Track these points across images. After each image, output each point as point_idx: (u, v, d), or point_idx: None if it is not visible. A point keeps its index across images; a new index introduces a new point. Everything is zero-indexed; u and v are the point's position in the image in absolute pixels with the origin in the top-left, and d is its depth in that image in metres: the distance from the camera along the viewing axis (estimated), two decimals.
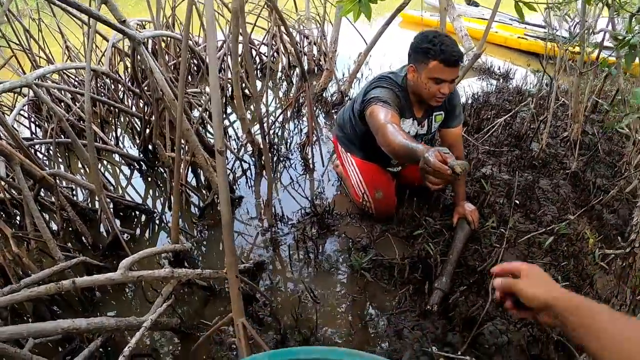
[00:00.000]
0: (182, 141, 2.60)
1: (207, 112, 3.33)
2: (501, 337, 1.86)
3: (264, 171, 2.91)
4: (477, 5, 9.22)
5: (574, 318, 0.72)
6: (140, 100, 3.24)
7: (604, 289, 2.22)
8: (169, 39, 4.30)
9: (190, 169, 2.83)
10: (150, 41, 3.79)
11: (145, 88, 3.09)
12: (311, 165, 3.03)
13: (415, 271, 2.09)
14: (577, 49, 3.21)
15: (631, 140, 3.17)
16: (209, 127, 3.55)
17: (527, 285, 0.80)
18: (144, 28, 4.63)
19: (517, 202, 2.56)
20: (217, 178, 2.38)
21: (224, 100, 3.86)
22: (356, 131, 2.35)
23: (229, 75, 3.95)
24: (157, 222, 2.59)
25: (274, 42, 4.78)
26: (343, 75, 4.75)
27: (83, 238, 2.35)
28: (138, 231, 2.53)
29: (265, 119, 3.62)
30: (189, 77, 4.40)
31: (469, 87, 4.80)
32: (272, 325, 1.88)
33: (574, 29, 3.38)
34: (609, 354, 0.66)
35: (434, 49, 1.91)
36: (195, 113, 3.62)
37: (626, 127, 3.11)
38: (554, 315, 0.75)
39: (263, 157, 2.83)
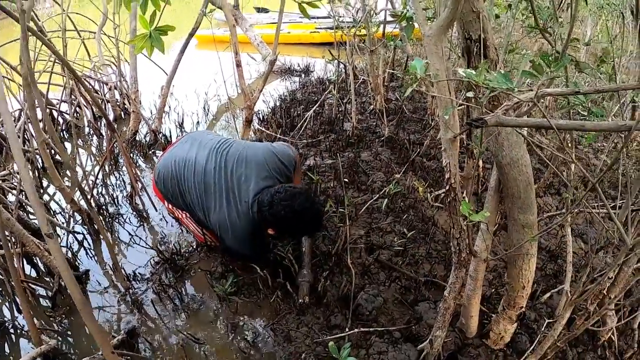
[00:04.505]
0: (7, 233, 2.30)
1: (23, 193, 2.98)
2: (377, 300, 2.02)
3: (101, 237, 2.71)
4: (267, 11, 9.56)
5: None
6: None
7: (445, 223, 2.52)
8: None
9: (24, 261, 2.51)
10: None
11: None
12: (145, 214, 2.90)
13: (277, 277, 2.15)
14: (364, 31, 3.56)
15: (429, 94, 3.60)
16: (29, 208, 3.17)
17: None
18: None
19: (347, 180, 2.76)
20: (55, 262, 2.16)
21: (37, 174, 3.48)
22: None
23: (36, 145, 3.57)
24: (12, 330, 2.26)
25: (73, 97, 4.44)
26: (151, 113, 4.61)
27: None
28: None
29: (85, 180, 3.37)
30: None
31: (274, 91, 4.98)
32: None
33: (357, 14, 3.74)
34: None
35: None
36: (11, 197, 3.20)
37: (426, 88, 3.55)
38: None
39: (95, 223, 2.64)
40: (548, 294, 2.10)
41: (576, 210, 2.23)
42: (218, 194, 2.14)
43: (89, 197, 2.87)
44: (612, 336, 1.88)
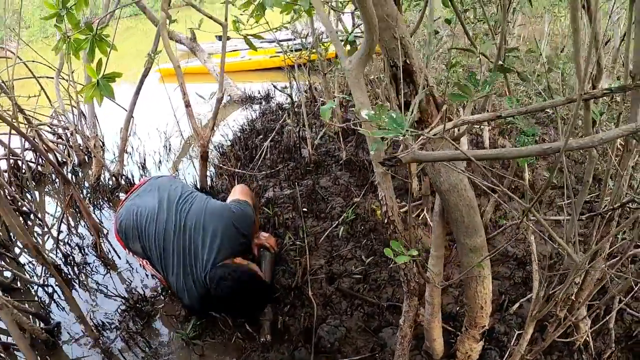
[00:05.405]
0: None
1: None
2: (339, 331, 2.04)
3: (71, 286, 2.68)
4: (228, 38, 9.50)
5: None
6: None
7: None
8: None
9: None
10: None
11: None
12: (111, 261, 2.88)
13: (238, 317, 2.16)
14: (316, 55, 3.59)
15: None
16: None
17: None
18: None
19: (305, 209, 2.77)
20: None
21: (6, 227, 3.42)
22: None
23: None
24: None
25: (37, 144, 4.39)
26: (114, 154, 4.55)
27: None
28: None
29: (49, 231, 3.33)
30: None
31: (234, 122, 4.94)
32: None
33: (306, 39, 3.77)
34: None
35: None
36: None
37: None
38: None
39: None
40: (517, 304, 2.09)
41: (533, 218, 2.25)
42: (176, 255, 2.24)
43: (51, 251, 2.85)
44: (587, 338, 1.87)
